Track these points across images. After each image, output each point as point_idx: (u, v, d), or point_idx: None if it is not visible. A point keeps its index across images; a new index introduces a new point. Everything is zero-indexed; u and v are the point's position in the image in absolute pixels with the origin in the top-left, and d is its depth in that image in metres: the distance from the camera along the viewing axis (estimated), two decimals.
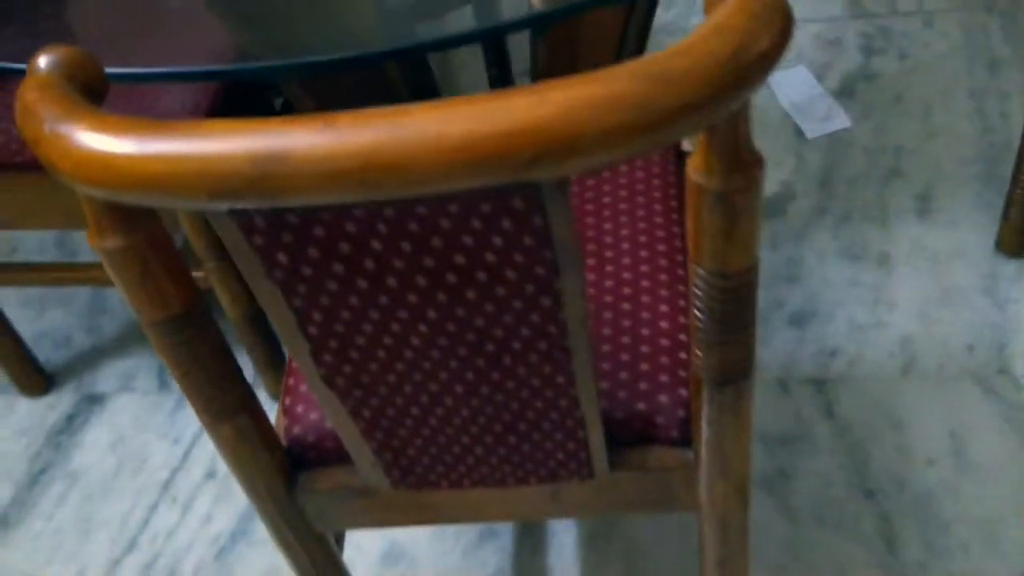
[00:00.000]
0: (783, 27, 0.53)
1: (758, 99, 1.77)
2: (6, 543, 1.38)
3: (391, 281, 0.60)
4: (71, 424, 1.51)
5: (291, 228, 0.56)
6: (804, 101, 1.74)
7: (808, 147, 1.66)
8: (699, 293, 0.65)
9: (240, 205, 0.52)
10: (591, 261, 0.90)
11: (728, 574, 0.90)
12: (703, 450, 0.77)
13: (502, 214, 0.55)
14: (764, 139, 1.69)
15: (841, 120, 1.69)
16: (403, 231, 0.56)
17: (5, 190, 1.23)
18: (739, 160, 0.57)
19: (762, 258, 1.50)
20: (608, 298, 0.86)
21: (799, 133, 1.69)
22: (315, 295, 0.61)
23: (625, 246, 0.91)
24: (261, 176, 0.51)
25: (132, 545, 1.34)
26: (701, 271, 0.63)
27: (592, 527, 1.25)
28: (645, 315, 0.85)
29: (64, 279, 1.40)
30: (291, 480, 0.84)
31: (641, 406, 0.80)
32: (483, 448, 0.77)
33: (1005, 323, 1.36)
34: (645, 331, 0.84)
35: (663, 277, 0.88)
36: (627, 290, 0.88)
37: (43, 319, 1.68)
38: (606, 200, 0.95)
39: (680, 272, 0.89)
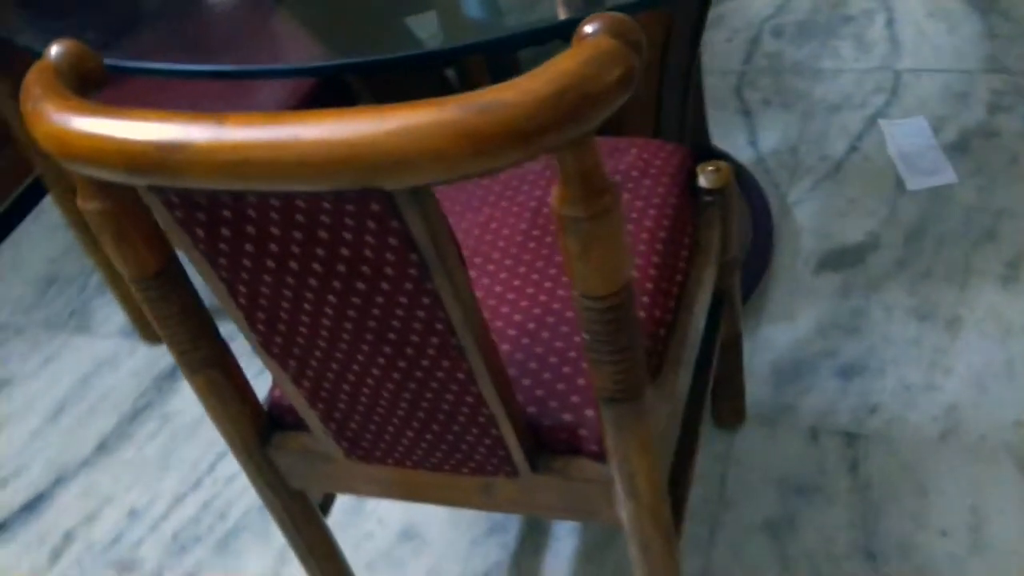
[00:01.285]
0: (620, 75, 0.57)
1: (866, 145, 1.73)
2: (99, 466, 1.57)
3: (293, 265, 0.69)
4: (175, 372, 1.70)
5: (202, 208, 0.66)
6: (913, 152, 1.69)
7: (906, 199, 1.62)
8: (580, 313, 0.70)
9: (155, 182, 0.63)
10: (553, 271, 0.95)
11: None
12: (613, 467, 0.81)
13: (365, 216, 0.63)
14: (862, 186, 1.66)
15: (947, 175, 1.63)
16: (292, 221, 0.65)
17: None
18: (588, 189, 0.61)
19: (828, 306, 1.48)
20: (556, 305, 0.92)
21: (900, 184, 1.65)
22: (236, 269, 0.71)
23: None
24: (163, 160, 0.61)
25: (197, 484, 1.50)
26: (575, 293, 0.68)
27: (593, 537, 1.29)
28: None
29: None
30: (266, 437, 0.95)
31: (567, 417, 0.85)
32: (412, 432, 0.84)
33: None
34: None
35: None
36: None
37: None
38: None
39: (641, 296, 0.93)
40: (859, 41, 1.99)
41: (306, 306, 0.72)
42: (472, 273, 0.98)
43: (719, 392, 1.33)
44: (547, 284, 0.95)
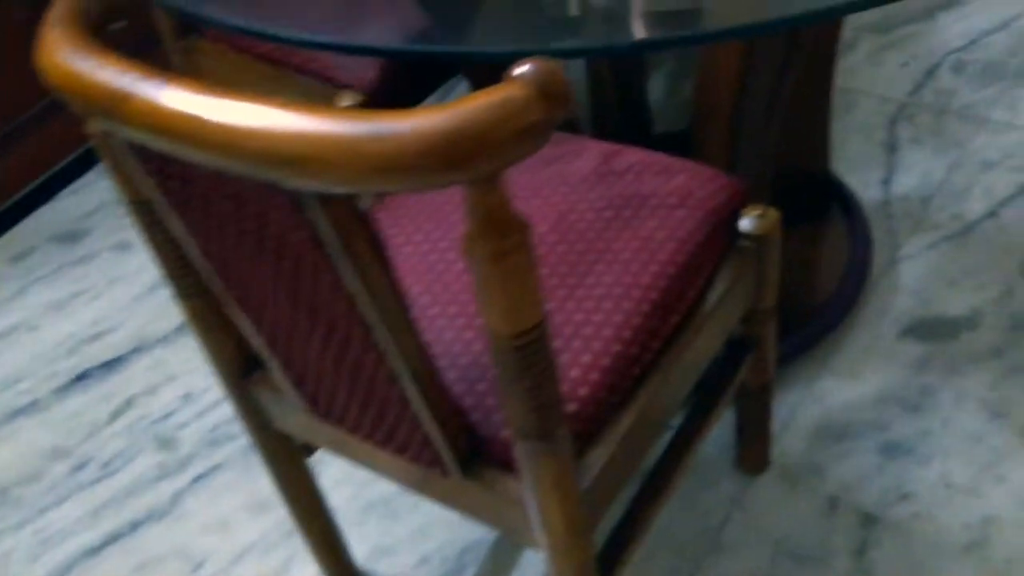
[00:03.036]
0: (522, 128, 0.56)
1: (1007, 213, 1.58)
2: (174, 346, 1.69)
3: (232, 230, 0.71)
4: None
5: (155, 159, 0.69)
6: None
7: None
8: (490, 345, 0.69)
9: (109, 128, 0.67)
10: (554, 280, 0.93)
11: None
12: (527, 498, 0.81)
13: (278, 206, 0.64)
14: (984, 257, 1.52)
15: None
16: (226, 191, 0.67)
17: None
18: (491, 229, 0.60)
19: (899, 375, 1.39)
20: (556, 312, 0.90)
21: None
22: (189, 222, 0.74)
23: (590, 280, 0.93)
24: (113, 108, 0.65)
25: None
26: (486, 324, 0.67)
27: None
28: (575, 344, 0.88)
29: None
30: (247, 371, 1.00)
31: (503, 434, 0.85)
32: (357, 406, 0.86)
33: None
34: (564, 358, 0.87)
35: (596, 318, 0.90)
36: (578, 316, 0.91)
37: None
38: (620, 235, 0.97)
39: (622, 331, 0.90)
40: None
41: (250, 268, 0.75)
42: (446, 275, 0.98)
43: (743, 437, 1.28)
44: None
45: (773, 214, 1.03)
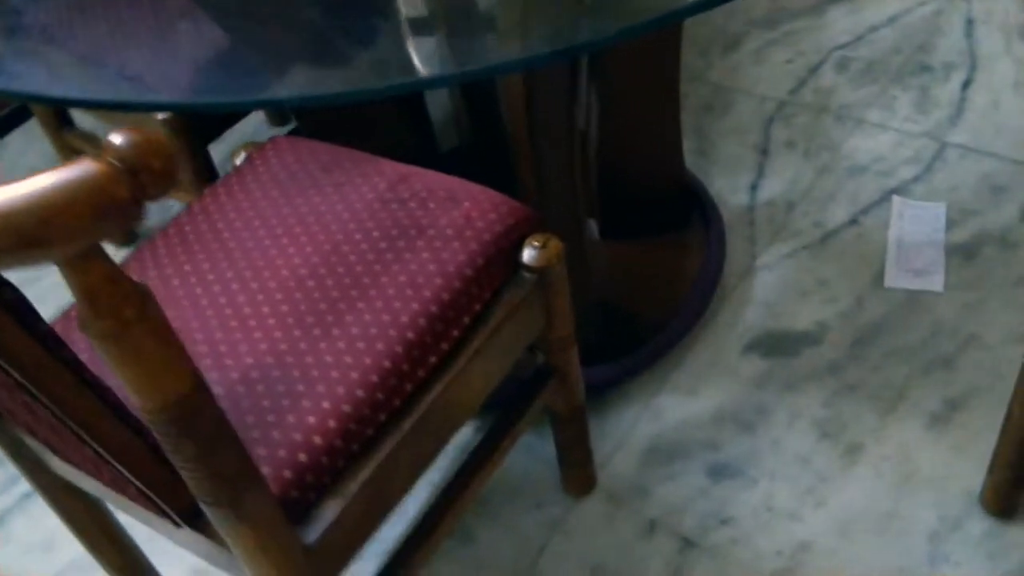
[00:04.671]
0: (99, 206, 0.51)
1: (869, 221, 1.55)
2: None
3: None
4: None
5: None
6: (912, 244, 1.50)
7: (877, 296, 1.45)
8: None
9: None
10: (310, 319, 0.90)
11: None
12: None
13: None
14: (840, 268, 1.49)
15: (933, 281, 1.45)
16: None
17: None
18: (97, 308, 0.56)
19: (737, 393, 1.36)
20: (290, 359, 0.87)
21: (878, 277, 1.47)
22: None
23: (349, 319, 0.90)
24: None
25: None
26: None
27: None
28: (319, 388, 0.85)
29: None
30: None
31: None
32: (85, 458, 0.83)
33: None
34: (304, 403, 0.84)
35: (347, 360, 0.86)
36: (328, 358, 0.87)
37: None
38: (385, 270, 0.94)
39: (369, 375, 0.86)
40: (922, 97, 1.76)
41: None
42: (222, 300, 0.94)
43: (563, 460, 1.25)
44: (294, 332, 0.90)
45: (554, 244, 0.99)
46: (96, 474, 0.88)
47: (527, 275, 0.99)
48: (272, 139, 1.15)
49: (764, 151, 1.73)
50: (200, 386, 0.63)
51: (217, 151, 1.45)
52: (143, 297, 0.58)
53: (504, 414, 1.09)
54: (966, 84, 1.78)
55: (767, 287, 1.50)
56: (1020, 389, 1.04)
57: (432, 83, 0.78)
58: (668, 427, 1.34)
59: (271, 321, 0.92)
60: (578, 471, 1.26)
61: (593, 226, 1.56)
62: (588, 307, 1.38)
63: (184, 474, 0.68)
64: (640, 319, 1.43)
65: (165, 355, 0.60)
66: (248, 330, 0.92)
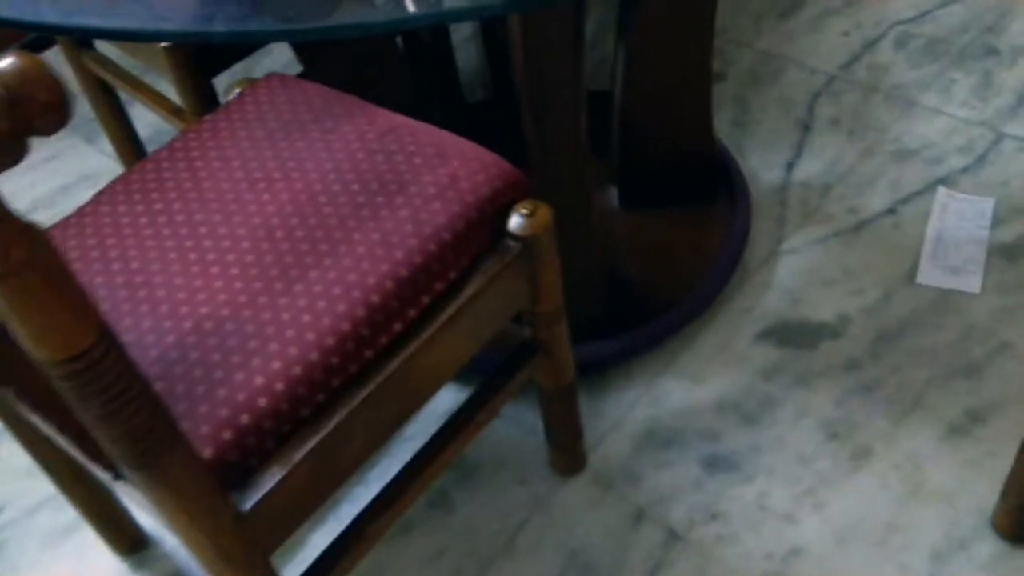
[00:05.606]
0: None
1: (909, 211, 1.45)
2: None
3: None
4: None
5: None
6: (952, 240, 1.40)
7: (908, 292, 1.35)
8: None
9: None
10: (274, 272, 0.85)
11: None
12: None
13: None
14: (871, 259, 1.40)
15: (970, 282, 1.35)
16: None
17: None
18: None
19: (744, 383, 1.29)
20: (247, 312, 0.82)
21: (911, 271, 1.38)
22: None
23: (313, 275, 0.84)
24: None
25: None
26: None
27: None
28: (271, 347, 0.80)
29: None
30: None
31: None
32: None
33: None
34: (255, 361, 0.79)
35: (305, 319, 0.81)
36: (285, 315, 0.82)
37: None
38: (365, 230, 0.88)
39: (325, 338, 0.81)
40: (984, 83, 1.64)
41: None
42: (188, 243, 0.89)
43: (550, 438, 1.19)
44: (255, 284, 0.85)
45: (544, 212, 0.92)
46: (48, 420, 0.84)
47: (512, 243, 0.93)
48: (267, 76, 1.09)
49: (806, 127, 1.63)
50: (106, 338, 0.58)
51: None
52: (35, 237, 0.53)
53: (485, 385, 1.04)
54: None
55: (790, 273, 1.41)
56: None
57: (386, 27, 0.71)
58: (668, 412, 1.28)
59: (234, 270, 0.87)
60: (566, 450, 1.20)
61: (613, 193, 1.49)
62: (595, 278, 1.32)
63: (95, 433, 0.64)
64: (652, 295, 1.36)
65: (61, 303, 0.55)
66: (209, 278, 0.87)
